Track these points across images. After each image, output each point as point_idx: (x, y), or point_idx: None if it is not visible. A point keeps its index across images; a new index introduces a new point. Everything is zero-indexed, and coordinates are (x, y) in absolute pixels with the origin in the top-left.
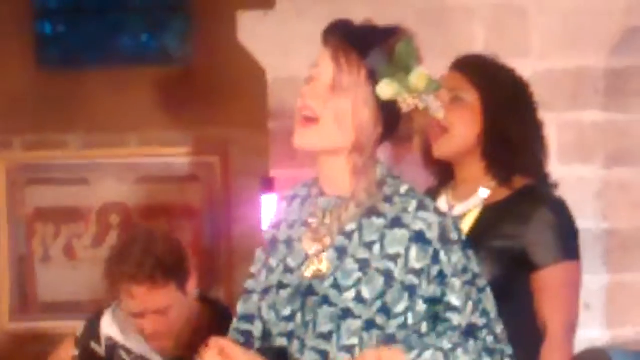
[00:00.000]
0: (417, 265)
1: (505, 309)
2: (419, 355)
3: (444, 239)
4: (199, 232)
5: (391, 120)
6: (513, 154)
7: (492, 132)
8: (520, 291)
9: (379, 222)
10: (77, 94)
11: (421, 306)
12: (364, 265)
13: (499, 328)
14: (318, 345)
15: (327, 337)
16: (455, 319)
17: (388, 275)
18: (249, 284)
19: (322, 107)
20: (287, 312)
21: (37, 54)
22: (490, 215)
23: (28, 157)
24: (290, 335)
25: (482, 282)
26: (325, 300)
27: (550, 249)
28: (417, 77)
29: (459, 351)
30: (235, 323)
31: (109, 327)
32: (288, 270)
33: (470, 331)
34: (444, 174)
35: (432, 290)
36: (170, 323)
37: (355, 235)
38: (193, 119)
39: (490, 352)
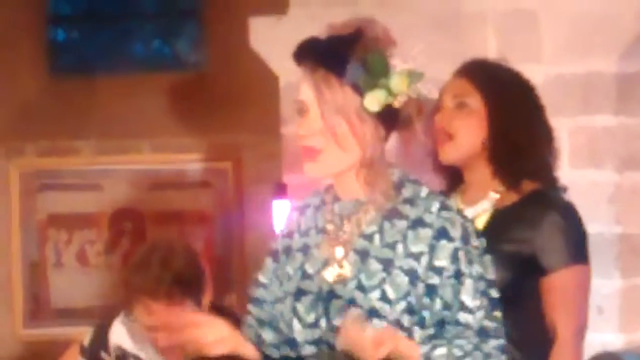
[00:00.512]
0: (439, 263)
1: (514, 313)
2: (433, 348)
3: (465, 239)
4: (211, 238)
5: (389, 118)
6: (520, 158)
7: (498, 137)
8: (529, 295)
9: (400, 223)
10: (90, 101)
11: (438, 305)
12: (387, 264)
13: (504, 338)
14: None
15: None
16: (469, 319)
17: (412, 275)
18: (260, 293)
19: (321, 140)
20: (310, 318)
21: (50, 60)
22: (500, 220)
23: (41, 163)
24: (317, 342)
25: (494, 293)
26: (352, 302)
27: (559, 253)
28: (399, 79)
29: (478, 354)
30: (250, 321)
31: (118, 336)
32: (307, 277)
33: (482, 334)
34: (454, 178)
35: (448, 291)
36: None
37: (377, 237)
38: (206, 125)
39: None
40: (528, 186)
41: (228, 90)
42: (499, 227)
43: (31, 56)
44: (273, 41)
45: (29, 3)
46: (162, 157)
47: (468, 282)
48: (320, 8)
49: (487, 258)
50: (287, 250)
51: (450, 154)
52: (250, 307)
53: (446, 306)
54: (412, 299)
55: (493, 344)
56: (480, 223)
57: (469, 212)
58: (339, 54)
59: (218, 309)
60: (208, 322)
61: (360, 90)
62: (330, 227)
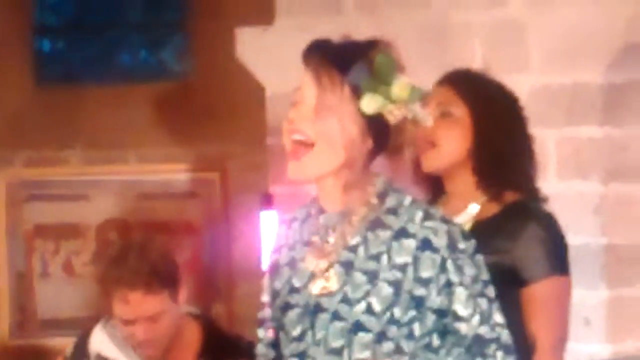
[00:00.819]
0: (424, 275)
1: None
2: None
3: (451, 247)
4: (198, 249)
5: (380, 132)
6: (503, 168)
7: (482, 147)
8: (510, 306)
9: (384, 234)
10: (77, 111)
11: (430, 318)
12: (372, 276)
13: (509, 340)
14: None
15: (339, 352)
16: (463, 328)
17: (397, 286)
18: (263, 313)
19: (312, 130)
20: (296, 332)
21: (37, 71)
22: (480, 231)
23: (28, 173)
24: (302, 356)
25: (491, 291)
26: (336, 316)
27: (539, 263)
28: (400, 88)
29: None
30: (260, 349)
31: (98, 343)
32: (294, 290)
33: (478, 343)
34: (435, 189)
35: (439, 300)
36: (161, 331)
37: (361, 249)
38: (192, 136)
39: None
40: (510, 197)
41: (214, 101)
42: (480, 239)
43: (17, 67)
44: (259, 52)
45: (15, 14)
46: (148, 168)
47: (459, 291)
48: (307, 18)
49: (479, 258)
50: (275, 266)
51: (434, 162)
52: (259, 331)
53: (441, 315)
54: (396, 310)
55: (490, 350)
56: None
57: None
58: (346, 53)
59: (198, 318)
60: None
61: (359, 93)
62: (315, 239)
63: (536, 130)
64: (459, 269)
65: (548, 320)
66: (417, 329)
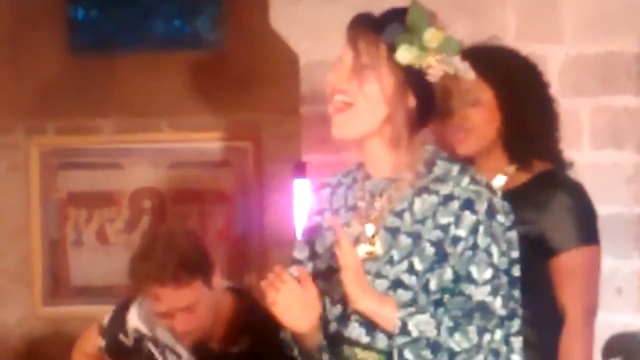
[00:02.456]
0: (458, 233)
1: (526, 293)
2: (410, 315)
3: (489, 214)
4: (230, 218)
5: (423, 90)
6: (533, 141)
7: (510, 125)
8: (540, 276)
9: (431, 199)
10: (110, 79)
11: (448, 274)
12: (416, 238)
13: (514, 324)
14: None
15: None
16: (471, 291)
17: (438, 245)
18: (295, 270)
19: (352, 88)
20: (338, 295)
21: (70, 39)
22: (509, 201)
23: (61, 141)
24: (341, 319)
25: (516, 271)
26: (378, 276)
27: (568, 233)
28: (431, 36)
29: (457, 334)
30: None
31: (136, 319)
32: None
33: (480, 310)
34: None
35: (460, 261)
36: (199, 320)
37: (407, 214)
38: (225, 104)
39: (494, 353)
40: (538, 166)
41: (248, 69)
42: None
43: (51, 35)
44: (293, 20)
45: None
46: (181, 136)
47: (481, 255)
48: None
49: (513, 235)
50: (317, 229)
51: (469, 147)
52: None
53: (458, 276)
54: (437, 268)
55: (490, 323)
56: None
57: None
58: (383, 17)
59: (234, 291)
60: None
61: (395, 50)
62: (361, 204)
63: (570, 99)
64: (490, 237)
65: (578, 290)
66: (433, 284)
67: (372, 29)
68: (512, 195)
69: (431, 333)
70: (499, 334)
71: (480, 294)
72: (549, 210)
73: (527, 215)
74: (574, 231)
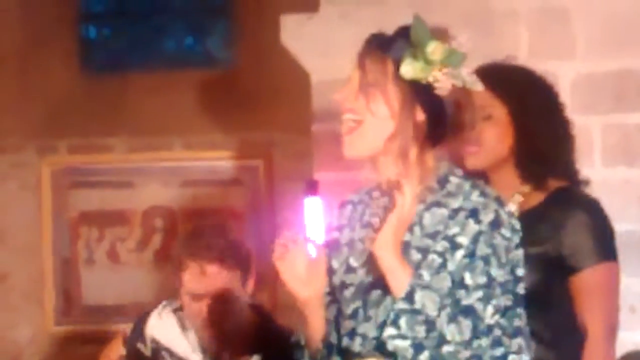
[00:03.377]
0: (460, 240)
1: (545, 313)
2: (421, 286)
3: (494, 226)
4: (242, 236)
5: (432, 104)
6: (547, 160)
7: (523, 143)
8: (559, 295)
9: (440, 211)
10: (122, 98)
11: (446, 281)
12: (425, 252)
13: (514, 345)
14: (379, 335)
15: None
16: (460, 295)
17: (444, 256)
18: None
19: (359, 106)
20: (349, 310)
21: (82, 57)
22: (526, 221)
23: (73, 160)
24: (352, 334)
25: (520, 289)
26: (387, 292)
27: (587, 251)
28: (433, 48)
29: (453, 325)
30: None
31: (154, 328)
32: (350, 270)
33: (469, 312)
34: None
35: (456, 269)
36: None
37: (417, 228)
38: (237, 123)
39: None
40: (553, 184)
41: (259, 88)
42: (525, 229)
43: (63, 53)
44: (304, 39)
45: (61, 0)
46: (193, 155)
47: (477, 263)
48: (351, 6)
49: (518, 253)
50: (335, 244)
51: (478, 162)
52: None
53: (453, 284)
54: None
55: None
56: None
57: None
58: (390, 37)
59: (253, 307)
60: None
61: (400, 63)
62: (375, 220)
63: (582, 117)
64: (490, 248)
65: (599, 308)
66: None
67: (380, 47)
68: (528, 214)
69: (432, 312)
70: (485, 342)
71: (470, 298)
72: (566, 228)
73: (544, 233)
74: (593, 248)
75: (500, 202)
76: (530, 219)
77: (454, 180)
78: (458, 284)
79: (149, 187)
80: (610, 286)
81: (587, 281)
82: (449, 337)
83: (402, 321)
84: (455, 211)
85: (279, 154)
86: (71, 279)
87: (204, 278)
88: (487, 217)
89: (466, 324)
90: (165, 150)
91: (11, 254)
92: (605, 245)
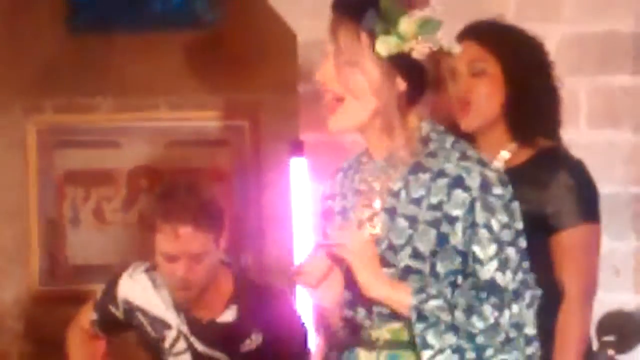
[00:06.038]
0: (453, 212)
1: None
2: (424, 301)
3: (484, 189)
4: (228, 196)
5: (412, 71)
6: (538, 116)
7: (516, 100)
8: (538, 254)
9: (424, 177)
10: (108, 58)
11: (454, 256)
12: (413, 221)
13: (532, 295)
14: (384, 309)
15: None
16: (479, 270)
17: (436, 226)
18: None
19: (340, 86)
20: (346, 279)
21: (68, 18)
22: (511, 179)
23: (58, 120)
24: (353, 304)
25: (522, 242)
26: (383, 263)
27: (569, 211)
28: (407, 24)
29: (473, 316)
30: None
31: (126, 290)
32: None
33: (491, 288)
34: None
35: (463, 241)
36: (201, 273)
37: (403, 193)
38: (223, 83)
39: (516, 326)
40: (540, 142)
41: (245, 48)
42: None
43: (49, 14)
44: None
45: None
46: (179, 115)
47: (482, 232)
48: None
49: (515, 206)
50: (329, 212)
51: (473, 122)
52: None
53: (465, 257)
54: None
55: (504, 299)
56: None
57: None
58: (359, 3)
59: (231, 267)
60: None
61: (374, 37)
62: (363, 187)
63: (567, 79)
64: (488, 212)
65: (577, 268)
66: (439, 266)
67: (350, 17)
68: (514, 172)
69: (446, 318)
70: (516, 308)
71: (487, 272)
72: (550, 188)
73: (528, 193)
74: (575, 209)
75: (483, 162)
76: (515, 177)
77: (435, 136)
78: (471, 258)
79: (134, 147)
80: (590, 247)
81: (567, 241)
82: (474, 330)
83: (430, 338)
84: (437, 174)
85: (265, 115)
86: (57, 239)
87: (178, 239)
88: (474, 182)
89: (485, 307)
90: (151, 111)
91: None
92: (587, 206)
